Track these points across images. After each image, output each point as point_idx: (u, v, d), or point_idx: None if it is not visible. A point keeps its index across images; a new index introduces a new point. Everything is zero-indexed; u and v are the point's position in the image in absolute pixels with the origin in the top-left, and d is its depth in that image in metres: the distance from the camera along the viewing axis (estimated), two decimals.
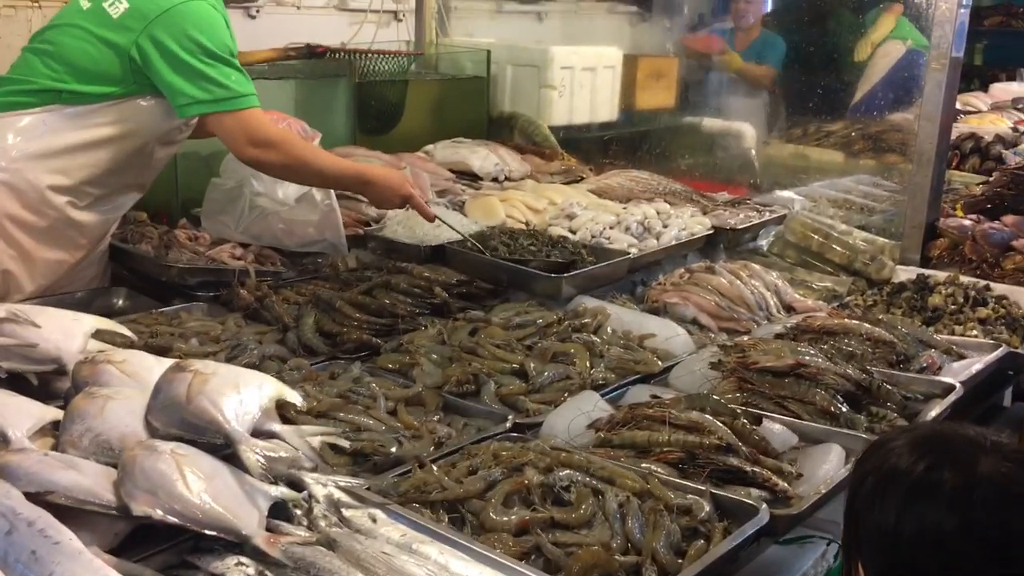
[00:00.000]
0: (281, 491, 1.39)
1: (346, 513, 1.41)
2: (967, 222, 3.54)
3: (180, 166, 3.47)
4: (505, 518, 1.57)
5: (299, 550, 1.27)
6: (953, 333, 2.91)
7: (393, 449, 1.93)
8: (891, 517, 1.22)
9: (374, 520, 1.40)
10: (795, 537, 2.01)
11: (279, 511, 1.42)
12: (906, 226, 3.57)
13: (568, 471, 1.74)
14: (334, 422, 1.99)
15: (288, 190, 3.20)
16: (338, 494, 1.45)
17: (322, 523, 1.35)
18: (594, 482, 1.74)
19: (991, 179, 4.22)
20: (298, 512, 1.39)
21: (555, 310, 2.80)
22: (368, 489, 1.56)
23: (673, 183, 4.02)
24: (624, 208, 3.53)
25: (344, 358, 2.50)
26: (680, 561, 1.58)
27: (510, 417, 2.15)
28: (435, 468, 1.71)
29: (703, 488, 1.82)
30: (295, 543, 1.29)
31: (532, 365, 2.40)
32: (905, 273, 3.37)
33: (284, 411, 1.72)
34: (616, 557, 1.53)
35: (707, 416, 2.07)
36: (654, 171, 4.31)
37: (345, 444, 1.68)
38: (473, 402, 2.27)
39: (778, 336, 2.72)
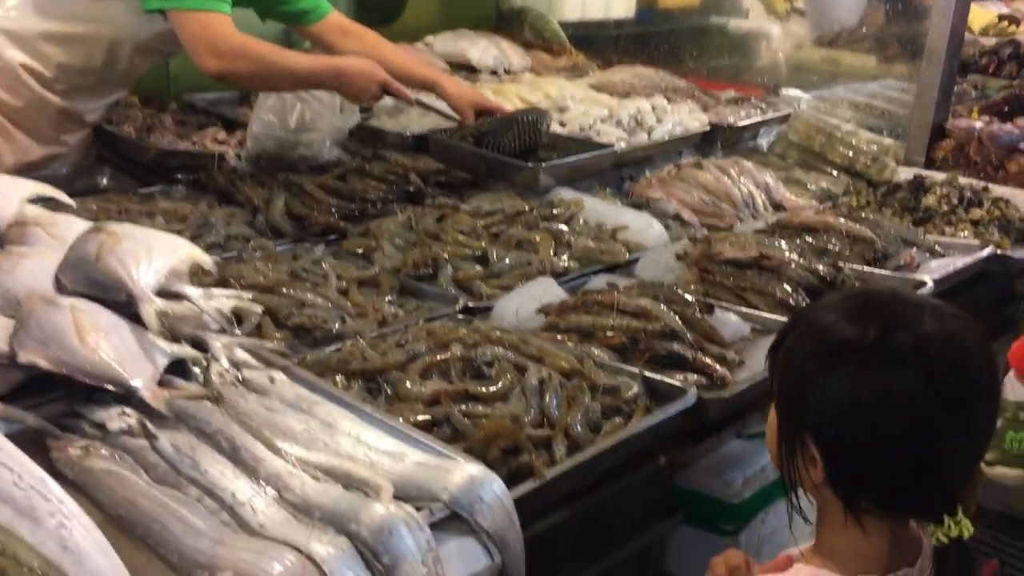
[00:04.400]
0: (178, 348, 1.40)
1: (246, 374, 1.42)
2: (978, 124, 3.40)
3: None
4: (419, 389, 1.57)
5: (184, 404, 1.29)
6: (943, 234, 2.83)
7: (336, 325, 1.94)
8: (845, 387, 1.18)
9: (272, 381, 1.42)
10: (759, 432, 2.01)
11: (186, 372, 1.43)
12: (912, 126, 3.44)
13: (494, 348, 1.73)
14: (279, 297, 2.00)
15: None
16: (242, 355, 1.46)
17: (216, 381, 1.37)
18: (522, 360, 1.73)
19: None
20: (197, 371, 1.41)
21: (530, 200, 2.76)
22: (282, 355, 1.57)
23: (678, 80, 3.90)
24: (618, 103, 3.44)
25: (311, 241, 2.50)
26: (594, 437, 1.57)
27: (461, 299, 2.15)
28: (363, 341, 1.71)
29: (635, 370, 1.81)
30: (181, 397, 1.30)
31: (494, 251, 2.39)
32: (906, 174, 3.27)
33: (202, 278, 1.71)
34: (527, 430, 1.52)
35: (657, 303, 2.05)
36: (668, 70, 4.19)
37: (257, 309, 1.69)
38: (429, 285, 2.27)
39: (758, 232, 2.67)
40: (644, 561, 1.95)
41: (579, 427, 1.58)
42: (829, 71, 4.82)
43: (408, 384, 1.59)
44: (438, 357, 1.65)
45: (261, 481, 1.15)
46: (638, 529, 1.86)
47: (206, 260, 1.60)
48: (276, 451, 1.20)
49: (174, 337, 1.42)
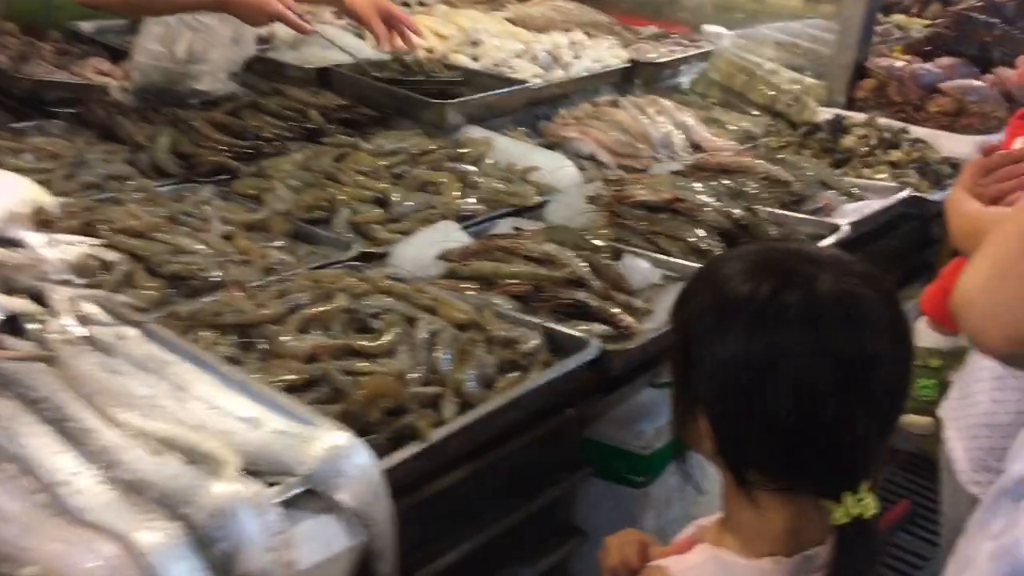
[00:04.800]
0: (7, 301, 1.25)
1: (93, 330, 1.27)
2: (899, 63, 3.34)
3: None
4: (296, 344, 1.44)
5: (11, 365, 1.14)
6: (861, 176, 2.77)
7: (216, 274, 1.79)
8: (736, 348, 1.08)
9: (120, 338, 1.27)
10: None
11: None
12: (834, 66, 3.37)
13: (383, 298, 1.60)
14: (153, 243, 1.84)
15: None
16: (89, 309, 1.31)
17: (54, 339, 1.22)
18: (414, 311, 1.61)
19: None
20: (33, 328, 1.26)
21: (438, 139, 2.62)
22: (137, 308, 1.42)
23: (598, 15, 3.75)
24: (535, 37, 3.28)
25: (199, 181, 2.32)
26: (488, 394, 1.47)
27: (355, 245, 2.01)
28: (238, 292, 1.57)
29: (537, 321, 1.71)
30: (6, 358, 1.16)
31: (395, 194, 2.24)
32: (827, 115, 3.19)
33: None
34: (413, 388, 1.41)
35: (563, 249, 1.94)
36: (590, 4, 4.03)
37: (111, 256, 1.53)
38: (324, 230, 2.12)
39: (674, 173, 2.57)
40: (551, 516, 1.87)
41: (471, 383, 1.47)
42: (755, 9, 4.71)
43: (284, 339, 1.45)
44: (319, 309, 1.52)
45: (88, 456, 1.01)
46: (543, 484, 1.78)
47: (50, 201, 1.43)
48: (110, 420, 1.06)
49: (8, 289, 1.26)
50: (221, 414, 1.12)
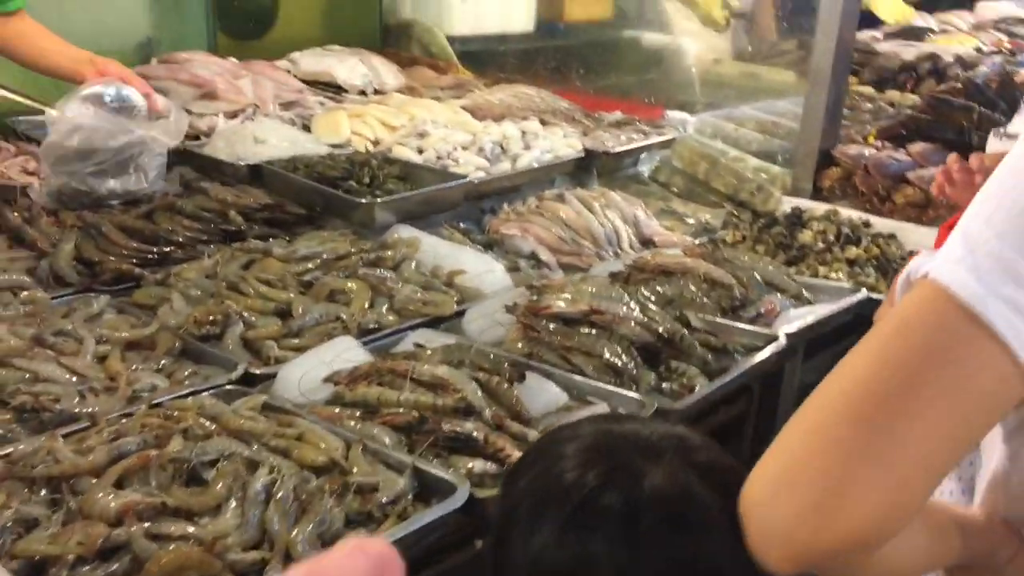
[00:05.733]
0: None
1: None
2: (868, 151, 3.19)
3: None
4: (106, 502, 1.29)
5: None
6: (817, 274, 2.61)
7: (71, 404, 1.66)
8: (546, 544, 0.94)
9: None
10: None
11: None
12: (799, 153, 3.22)
13: (226, 441, 1.45)
14: (7, 369, 1.71)
15: None
16: None
17: None
18: (260, 455, 1.46)
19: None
20: None
21: (366, 240, 2.50)
22: None
23: (560, 101, 3.65)
24: (484, 127, 3.18)
25: (100, 290, 2.21)
26: None
27: (240, 365, 1.87)
28: (54, 441, 1.42)
29: (408, 461, 1.55)
30: None
31: (298, 305, 2.11)
32: (791, 205, 3.04)
33: None
34: (231, 555, 1.25)
35: (455, 372, 1.79)
36: (574, 90, 3.93)
37: None
38: (215, 346, 1.99)
39: (612, 275, 2.42)
40: None
41: (303, 546, 1.30)
42: (747, 87, 4.59)
43: (96, 496, 1.30)
44: (144, 457, 1.37)
45: None
46: None
47: None
48: None
49: None
50: None
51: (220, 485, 1.35)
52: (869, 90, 5.11)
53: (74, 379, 1.75)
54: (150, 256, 2.33)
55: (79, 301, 2.13)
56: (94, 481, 1.34)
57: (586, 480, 0.97)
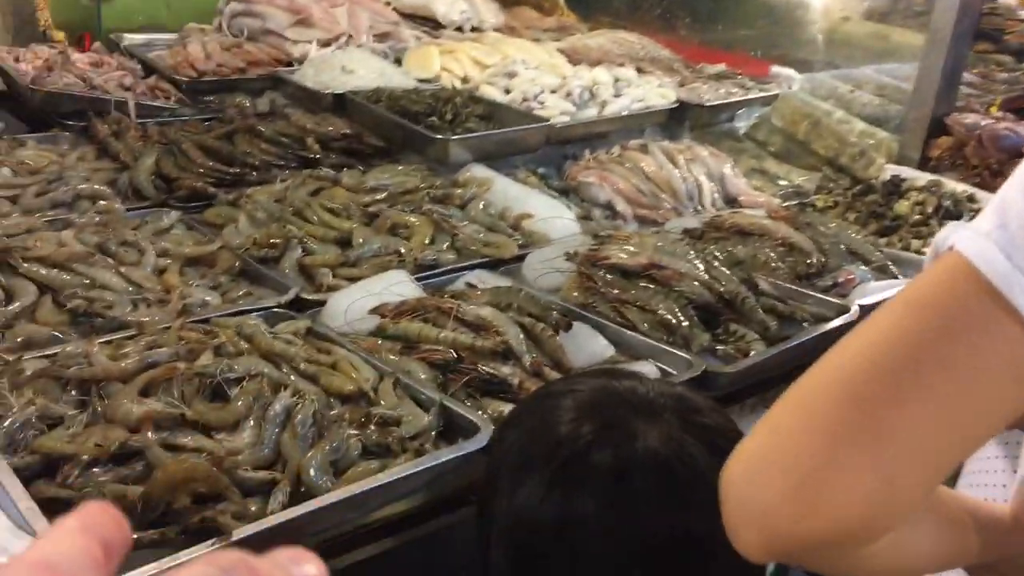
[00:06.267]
0: None
1: None
2: (985, 121, 2.96)
3: None
4: (131, 408, 1.31)
5: None
6: (909, 248, 2.45)
7: (123, 311, 1.70)
8: (530, 501, 0.92)
9: None
10: None
11: None
12: (908, 119, 3.02)
13: (254, 361, 1.46)
14: (68, 274, 1.77)
15: None
16: None
17: None
18: (286, 378, 1.46)
19: None
20: None
21: (435, 176, 2.47)
22: None
23: (660, 49, 3.52)
24: (575, 71, 3.09)
25: (175, 206, 2.26)
26: (330, 485, 1.30)
27: (292, 290, 1.88)
28: (96, 343, 1.45)
29: (436, 398, 1.52)
30: None
31: (359, 235, 2.11)
32: (892, 173, 2.86)
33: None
34: (241, 472, 1.26)
35: (500, 314, 1.75)
36: (679, 40, 3.78)
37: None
38: (272, 269, 2.00)
39: (686, 231, 2.33)
40: None
41: (314, 470, 1.30)
42: (874, 48, 4.34)
43: (120, 401, 1.33)
44: (166, 369, 1.38)
45: None
46: None
47: None
48: None
49: None
50: None
51: (241, 403, 1.36)
52: (1008, 59, 4.76)
53: (130, 288, 1.79)
54: (225, 176, 2.36)
55: (152, 215, 2.18)
56: (121, 386, 1.37)
57: (578, 435, 0.93)
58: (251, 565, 0.37)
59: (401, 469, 1.34)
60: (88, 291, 1.73)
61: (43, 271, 1.74)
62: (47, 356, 1.49)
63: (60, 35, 3.15)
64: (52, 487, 1.20)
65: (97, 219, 2.08)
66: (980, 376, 0.69)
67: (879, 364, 0.70)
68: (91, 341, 1.46)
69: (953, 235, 0.74)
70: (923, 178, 2.75)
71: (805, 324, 1.99)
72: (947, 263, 0.73)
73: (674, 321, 1.86)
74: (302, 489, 1.30)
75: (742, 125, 3.24)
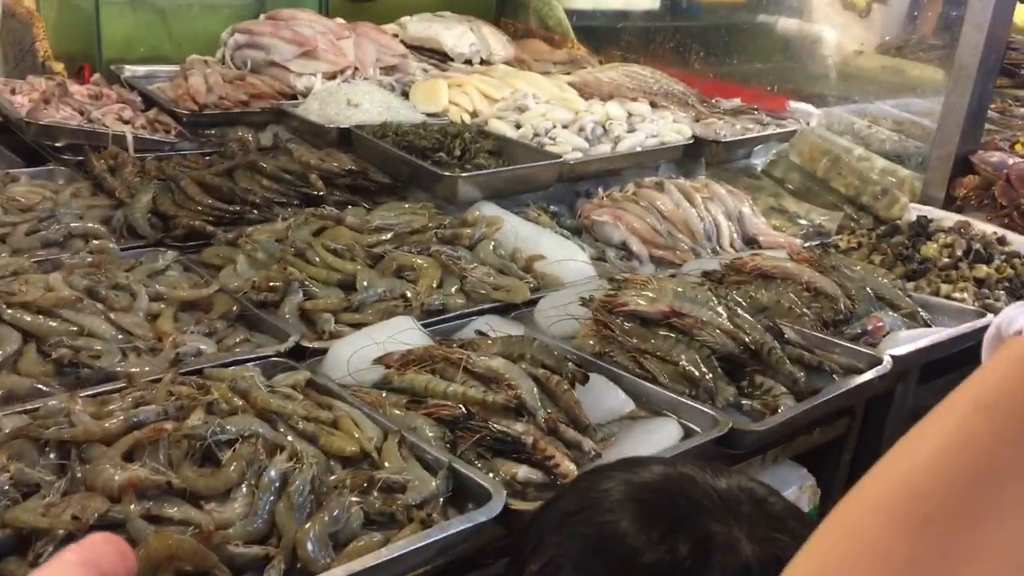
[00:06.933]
0: None
1: None
2: (1012, 159, 2.86)
3: (103, 13, 3.15)
4: (113, 475, 1.20)
5: None
6: (938, 293, 2.34)
7: (111, 362, 1.60)
8: None
9: None
10: None
11: None
12: (932, 157, 2.93)
13: (246, 420, 1.35)
14: (53, 321, 1.66)
15: None
16: None
17: None
18: (283, 439, 1.35)
19: None
20: None
21: (447, 215, 2.38)
22: None
23: (674, 83, 3.44)
24: (589, 106, 3.00)
25: (172, 246, 2.16)
26: (329, 561, 1.18)
27: (292, 337, 1.77)
28: (79, 399, 1.35)
29: (444, 460, 1.41)
30: None
31: (363, 278, 2.01)
32: (918, 213, 2.76)
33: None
34: (232, 547, 1.15)
35: (512, 366, 1.65)
36: (693, 73, 3.70)
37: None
38: (271, 314, 1.90)
39: (706, 274, 2.23)
40: None
41: (312, 543, 1.19)
42: (888, 82, 4.25)
43: (101, 466, 1.22)
44: (152, 430, 1.28)
45: None
46: None
47: None
48: None
49: None
50: None
51: (233, 468, 1.25)
52: None
53: (120, 336, 1.69)
54: (225, 215, 2.27)
55: (147, 255, 2.08)
56: (104, 449, 1.26)
57: (678, 548, 0.82)
58: None
59: (407, 543, 1.22)
60: (75, 339, 1.63)
61: (28, 317, 1.64)
62: (28, 411, 1.38)
63: (60, 66, 3.07)
64: (23, 567, 1.09)
65: (89, 259, 1.99)
66: None
67: (943, 481, 0.59)
68: (73, 397, 1.35)
69: (1021, 318, 0.63)
70: (950, 219, 2.65)
71: (835, 376, 1.88)
72: (1017, 353, 0.62)
73: (697, 373, 1.75)
74: (298, 565, 1.19)
75: (759, 162, 3.15)
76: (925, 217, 2.62)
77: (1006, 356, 0.62)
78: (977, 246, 2.44)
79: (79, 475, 1.22)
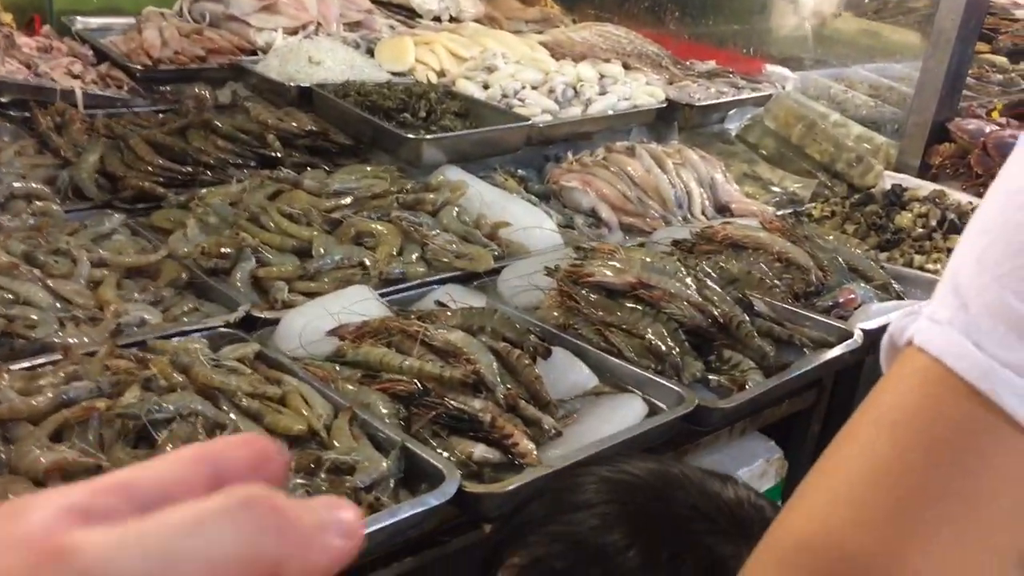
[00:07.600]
0: None
1: None
2: (989, 127, 2.81)
3: None
4: (38, 457, 1.13)
5: None
6: (911, 264, 2.30)
7: (47, 332, 1.51)
8: None
9: None
10: None
11: None
12: (908, 124, 2.87)
13: (185, 398, 1.28)
14: None
15: None
16: None
17: None
18: (225, 418, 1.28)
19: None
20: None
21: (410, 179, 2.29)
22: None
23: (648, 44, 3.34)
24: (559, 67, 2.91)
25: (120, 208, 2.07)
26: None
27: (242, 307, 1.70)
28: (6, 373, 1.27)
29: (397, 439, 1.35)
30: None
31: (320, 244, 1.92)
32: (893, 182, 2.71)
33: None
34: None
35: (471, 340, 1.58)
36: (668, 34, 3.61)
37: None
38: (222, 282, 1.82)
39: (676, 243, 2.17)
40: None
41: None
42: (865, 45, 4.17)
43: (26, 448, 1.14)
44: (83, 409, 1.20)
45: None
46: None
47: None
48: None
49: None
50: None
51: (169, 449, 1.18)
52: (1002, 60, 4.63)
53: (58, 304, 1.60)
54: (176, 176, 2.17)
55: (93, 218, 1.98)
56: (31, 428, 1.18)
57: (656, 553, 0.76)
58: (276, 505, 0.31)
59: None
60: (9, 308, 1.54)
61: None
62: None
63: (8, 17, 2.92)
64: None
65: (31, 222, 1.89)
66: (992, 503, 0.53)
67: (863, 512, 0.54)
68: (2, 370, 1.27)
69: (911, 326, 0.58)
70: (925, 188, 2.60)
71: (805, 350, 1.83)
72: (914, 365, 0.56)
73: (663, 347, 1.70)
74: None
75: (733, 127, 3.08)
76: (899, 186, 2.57)
77: (902, 369, 0.57)
78: (952, 216, 2.39)
79: (2, 456, 1.14)
